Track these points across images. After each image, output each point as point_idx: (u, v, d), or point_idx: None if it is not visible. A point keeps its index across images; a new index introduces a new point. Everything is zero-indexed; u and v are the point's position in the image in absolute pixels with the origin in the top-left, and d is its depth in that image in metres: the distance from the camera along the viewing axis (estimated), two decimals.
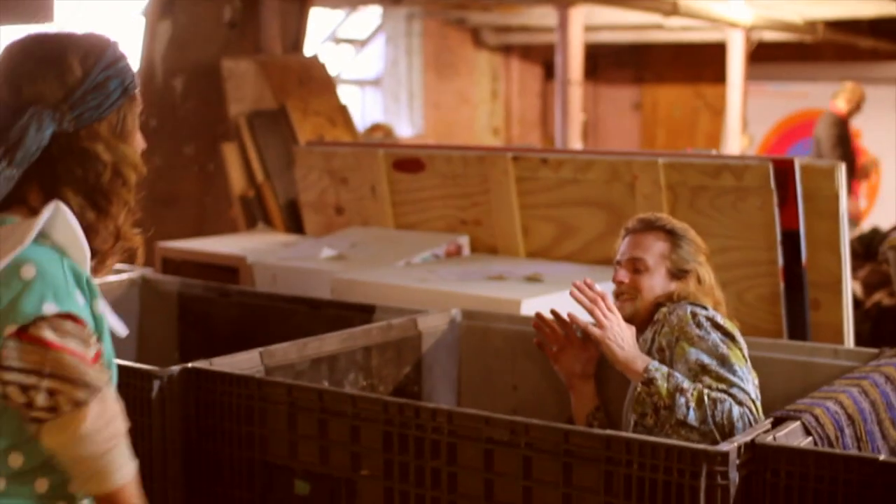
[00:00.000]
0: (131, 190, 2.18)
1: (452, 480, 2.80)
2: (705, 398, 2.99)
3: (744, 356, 3.18)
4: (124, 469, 2.09)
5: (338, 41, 14.15)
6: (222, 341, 4.30)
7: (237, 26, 7.31)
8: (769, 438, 2.60)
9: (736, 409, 2.99)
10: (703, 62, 14.94)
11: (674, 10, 9.43)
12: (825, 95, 13.85)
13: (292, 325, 4.30)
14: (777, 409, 3.50)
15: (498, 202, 5.18)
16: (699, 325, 3.20)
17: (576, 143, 9.60)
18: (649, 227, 3.44)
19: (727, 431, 2.96)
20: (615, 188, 4.88)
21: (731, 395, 3.02)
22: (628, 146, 15.35)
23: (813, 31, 11.76)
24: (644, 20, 11.69)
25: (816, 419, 2.79)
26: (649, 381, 3.06)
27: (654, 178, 4.71)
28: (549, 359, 3.63)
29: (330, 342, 3.68)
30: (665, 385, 3.04)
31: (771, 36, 12.44)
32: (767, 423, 2.73)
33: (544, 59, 15.29)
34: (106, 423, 2.05)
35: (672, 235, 3.42)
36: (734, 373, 3.09)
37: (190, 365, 3.24)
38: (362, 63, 14.60)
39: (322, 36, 13.58)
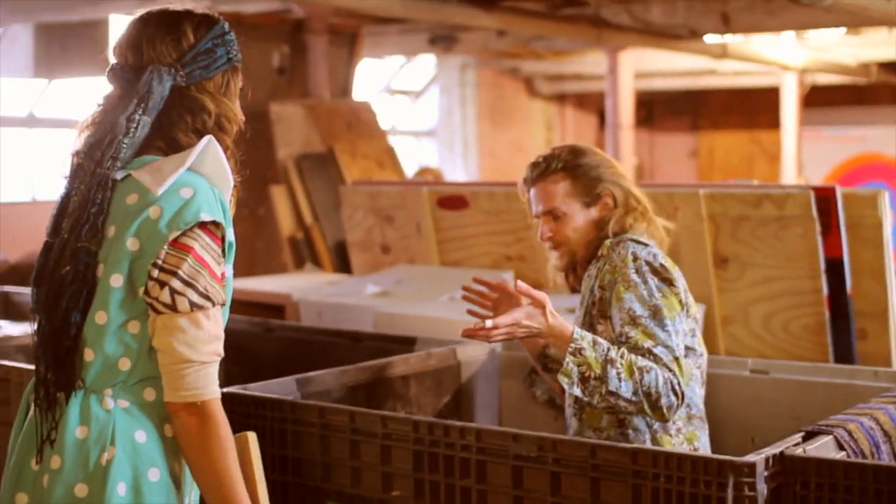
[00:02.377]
0: (231, 137, 2.50)
1: (482, 499, 2.79)
2: (634, 369, 2.96)
3: (680, 302, 3.16)
4: (214, 387, 2.34)
5: (393, 92, 14.27)
6: (266, 375, 4.32)
7: (286, 72, 7.41)
8: (798, 451, 2.57)
9: (661, 378, 2.97)
10: (758, 108, 14.89)
11: (723, 53, 9.43)
12: (882, 139, 13.79)
13: (334, 357, 4.31)
14: None
15: None
16: (637, 271, 3.15)
17: None
18: (543, 173, 3.33)
19: (654, 400, 2.96)
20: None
21: (655, 356, 3.01)
22: None
23: (867, 74, 11.70)
24: (697, 65, 11.68)
25: (850, 434, 2.76)
26: (577, 351, 2.97)
27: (695, 209, 4.70)
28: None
29: (367, 370, 3.69)
30: (593, 354, 2.97)
31: (825, 79, 12.38)
32: (798, 437, 2.70)
33: (598, 107, 15.32)
34: (210, 338, 2.33)
35: (567, 170, 3.30)
36: (663, 327, 3.06)
37: (224, 390, 3.25)
38: (417, 114, 14.70)
39: (377, 87, 13.70)
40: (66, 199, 2.42)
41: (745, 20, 8.47)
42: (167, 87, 2.41)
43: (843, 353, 4.57)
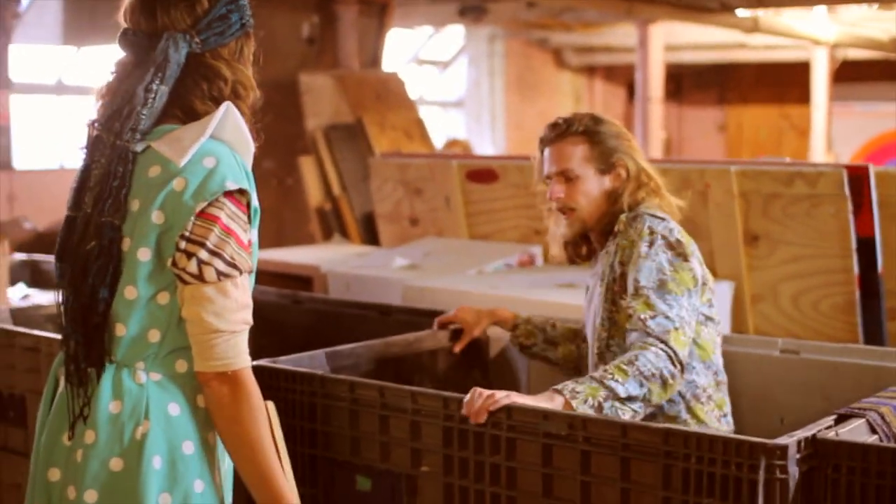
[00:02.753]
0: (247, 104, 2.45)
1: (511, 476, 2.79)
2: (623, 367, 2.92)
3: (693, 277, 3.15)
4: (244, 356, 2.35)
5: (421, 62, 14.23)
6: (294, 347, 4.31)
7: (315, 42, 7.39)
8: (831, 434, 2.55)
9: (650, 355, 2.95)
10: (787, 82, 14.80)
11: (755, 27, 9.36)
12: None
13: (363, 330, 4.31)
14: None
15: None
16: (651, 244, 3.15)
17: None
18: (563, 133, 3.32)
19: (660, 377, 2.94)
20: (687, 197, 4.84)
21: (647, 327, 3.00)
22: None
23: None
24: (727, 39, 11.59)
25: (882, 417, 2.74)
26: (573, 394, 2.85)
27: (726, 186, 4.67)
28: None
29: (396, 344, 3.69)
30: (584, 386, 2.87)
31: (856, 54, 12.27)
32: (830, 420, 2.68)
33: (627, 79, 15.24)
34: (238, 307, 2.31)
35: (587, 134, 3.31)
36: (665, 300, 3.06)
37: (254, 363, 3.24)
38: (445, 84, 14.66)
39: (405, 57, 13.67)
40: (85, 171, 2.39)
41: None
42: (183, 55, 2.37)
43: (873, 333, 4.54)
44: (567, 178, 3.32)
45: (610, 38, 12.96)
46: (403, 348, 3.71)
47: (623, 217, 3.29)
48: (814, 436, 2.53)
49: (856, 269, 4.49)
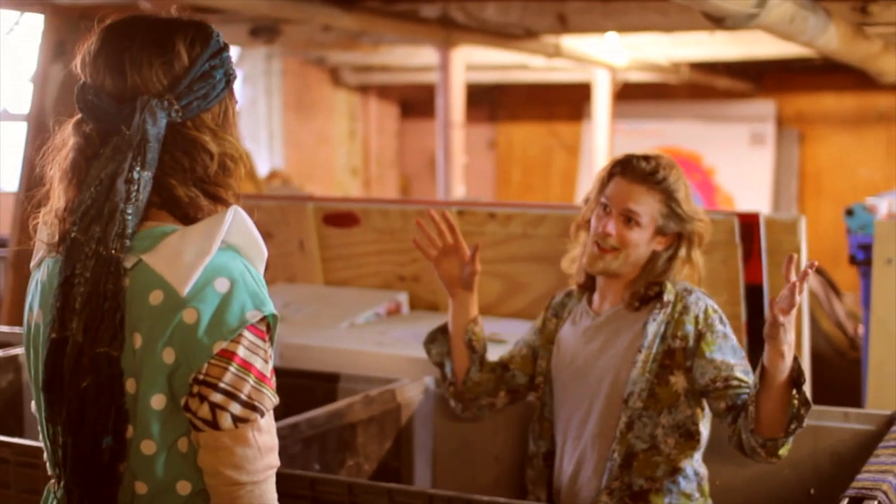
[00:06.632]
0: (237, 178, 2.10)
1: None
2: None
3: None
4: None
5: None
6: None
7: None
8: None
9: None
10: (556, 100, 14.99)
11: (556, 52, 9.38)
12: (679, 134, 14.09)
13: None
14: (788, 476, 3.40)
15: None
16: (723, 322, 3.20)
17: (459, 187, 9.45)
18: (648, 180, 3.20)
19: None
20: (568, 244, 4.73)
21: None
22: (484, 185, 15.31)
23: (677, 73, 11.87)
24: (508, 60, 11.58)
25: (886, 495, 2.68)
26: (800, 374, 2.89)
27: None
28: (430, 262, 3.53)
29: (318, 422, 3.42)
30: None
31: (636, 77, 12.50)
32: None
33: (400, 97, 15.18)
34: (261, 454, 1.97)
35: (668, 197, 3.21)
36: (748, 373, 3.12)
37: None
38: None
39: None
40: (67, 286, 1.94)
41: (583, 21, 8.41)
42: (163, 127, 1.96)
43: None
44: (627, 220, 3.20)
45: (388, 58, 12.80)
46: (325, 423, 3.44)
47: (673, 289, 3.23)
48: None
49: (744, 316, 4.46)
